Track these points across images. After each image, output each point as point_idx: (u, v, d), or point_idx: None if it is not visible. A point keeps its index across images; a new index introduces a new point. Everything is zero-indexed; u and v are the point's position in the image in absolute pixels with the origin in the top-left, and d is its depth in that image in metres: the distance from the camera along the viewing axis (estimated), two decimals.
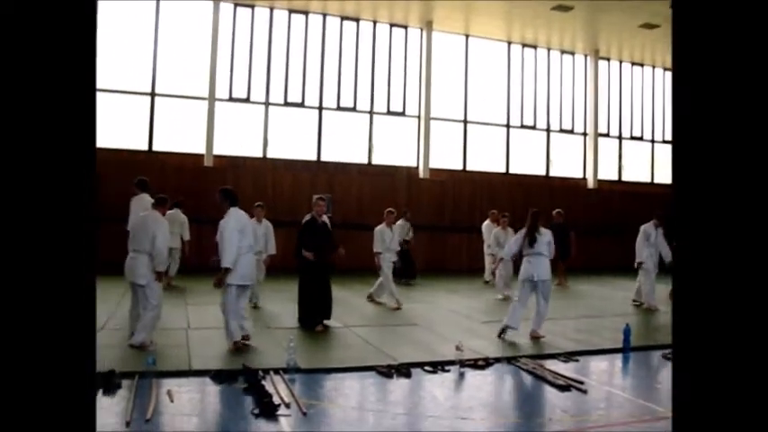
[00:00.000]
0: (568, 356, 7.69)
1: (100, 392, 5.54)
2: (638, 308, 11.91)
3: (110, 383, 5.74)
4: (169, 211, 11.42)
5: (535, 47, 20.71)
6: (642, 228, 12.09)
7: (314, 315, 8.98)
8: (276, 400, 5.41)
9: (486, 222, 15.12)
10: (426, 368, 6.89)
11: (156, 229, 7.46)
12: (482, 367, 7.06)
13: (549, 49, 20.91)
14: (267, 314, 9.94)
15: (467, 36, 19.82)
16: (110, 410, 5.23)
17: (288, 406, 5.37)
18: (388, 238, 11.19)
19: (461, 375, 6.74)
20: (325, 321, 9.03)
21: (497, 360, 7.34)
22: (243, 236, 7.50)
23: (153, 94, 16.78)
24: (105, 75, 16.33)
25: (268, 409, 5.20)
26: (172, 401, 5.45)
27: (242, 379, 6.08)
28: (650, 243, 11.86)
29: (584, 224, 18.80)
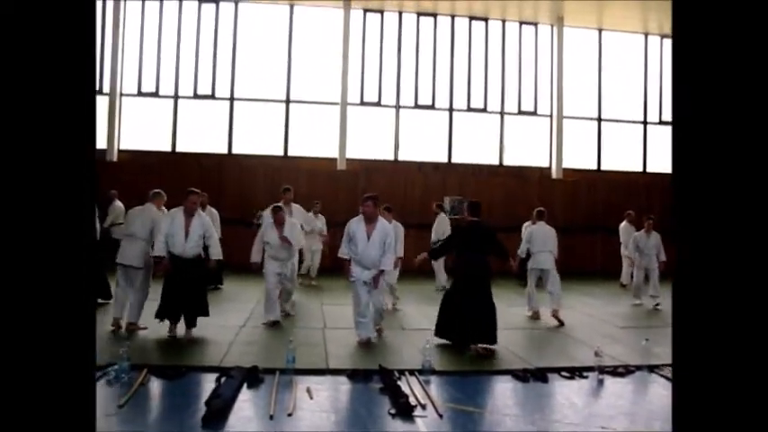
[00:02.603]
0: None
1: (244, 386, 5.84)
2: None
3: (253, 378, 6.03)
4: (308, 212, 11.92)
5: None
6: None
7: (454, 333, 7.95)
8: (412, 400, 5.45)
9: (624, 224, 14.48)
10: (563, 373, 6.71)
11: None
12: (622, 375, 6.78)
13: None
14: (402, 315, 10.03)
15: (600, 30, 19.13)
16: (254, 403, 5.50)
17: (424, 407, 5.39)
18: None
19: (600, 382, 6.49)
20: (486, 345, 7.76)
21: (638, 368, 7.03)
22: None
23: (288, 101, 17.45)
24: (244, 84, 17.24)
25: (404, 410, 5.24)
26: (311, 398, 5.62)
27: (378, 379, 6.17)
28: None
29: None
